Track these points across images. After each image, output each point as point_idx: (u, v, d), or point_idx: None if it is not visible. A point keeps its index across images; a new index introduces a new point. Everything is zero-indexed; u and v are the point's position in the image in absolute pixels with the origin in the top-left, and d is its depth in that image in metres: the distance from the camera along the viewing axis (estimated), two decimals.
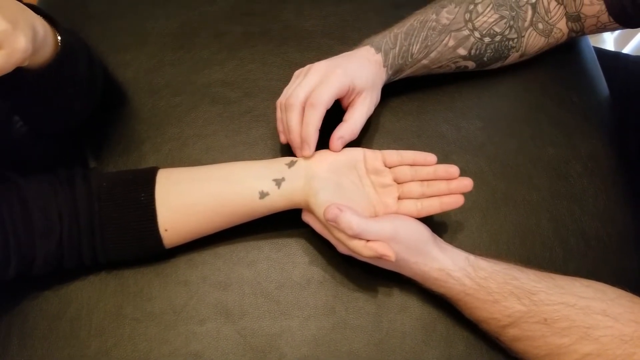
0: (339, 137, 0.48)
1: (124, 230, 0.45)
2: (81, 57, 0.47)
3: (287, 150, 0.56)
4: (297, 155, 0.49)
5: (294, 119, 0.47)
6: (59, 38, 0.43)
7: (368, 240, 0.42)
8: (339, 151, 0.49)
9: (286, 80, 0.54)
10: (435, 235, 0.47)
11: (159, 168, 0.48)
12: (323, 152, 0.49)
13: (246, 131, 0.57)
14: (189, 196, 0.46)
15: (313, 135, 0.47)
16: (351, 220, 0.41)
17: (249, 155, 0.55)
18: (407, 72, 0.55)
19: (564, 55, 0.62)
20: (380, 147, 0.53)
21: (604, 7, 0.52)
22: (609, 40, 1.19)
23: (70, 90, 0.47)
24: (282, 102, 0.49)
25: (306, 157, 0.48)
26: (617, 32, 1.18)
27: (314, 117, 0.46)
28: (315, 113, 0.46)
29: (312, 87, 0.47)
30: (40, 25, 0.40)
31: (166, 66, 0.61)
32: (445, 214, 0.53)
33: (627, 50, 1.13)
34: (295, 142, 0.48)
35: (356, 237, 0.42)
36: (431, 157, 0.48)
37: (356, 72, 0.49)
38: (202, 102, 0.58)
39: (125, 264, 0.49)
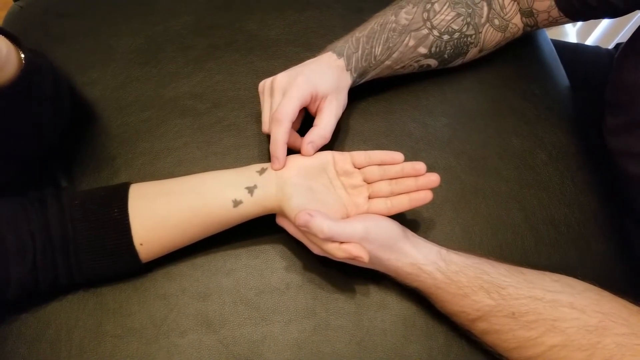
0: (309, 142, 0.49)
1: (99, 248, 0.45)
2: (46, 75, 0.47)
3: (258, 158, 0.57)
4: (271, 167, 0.49)
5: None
6: (22, 56, 0.43)
7: (341, 242, 0.43)
8: (311, 156, 0.49)
9: (254, 89, 0.55)
10: (408, 231, 0.47)
11: (131, 183, 0.48)
12: (293, 158, 0.49)
13: (217, 141, 0.57)
14: (163, 209, 0.46)
15: (281, 150, 0.47)
16: (322, 225, 0.42)
17: (220, 165, 0.55)
18: (372, 74, 0.56)
19: (523, 49, 0.64)
20: (350, 149, 0.53)
21: (553, 2, 0.54)
22: (571, 33, 1.22)
23: (36, 110, 0.47)
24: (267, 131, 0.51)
25: (275, 169, 0.48)
26: (578, 25, 1.21)
27: (280, 133, 0.47)
28: (280, 129, 0.47)
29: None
30: (3, 42, 0.40)
31: (133, 82, 0.61)
32: (417, 210, 0.53)
33: (589, 42, 1.16)
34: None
35: (328, 240, 0.43)
36: (398, 156, 0.49)
37: (318, 78, 0.49)
38: (171, 115, 0.59)
39: (103, 280, 0.48)
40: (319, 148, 0.50)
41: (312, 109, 0.52)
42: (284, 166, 0.48)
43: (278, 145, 0.47)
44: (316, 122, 0.50)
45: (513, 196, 0.55)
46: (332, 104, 0.51)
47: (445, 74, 0.61)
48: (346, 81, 0.53)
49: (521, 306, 0.41)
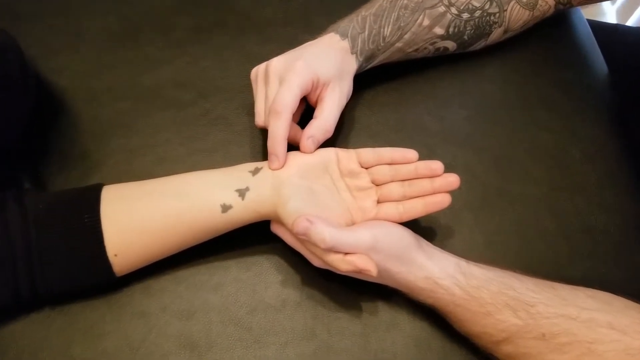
0: (309, 137, 0.49)
1: (67, 258, 0.45)
2: (12, 57, 0.47)
3: (251, 156, 0.57)
4: (269, 166, 0.49)
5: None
6: None
7: (346, 253, 0.43)
8: (311, 152, 0.49)
9: (245, 76, 0.55)
10: (422, 240, 0.48)
11: (105, 185, 0.48)
12: (291, 155, 0.49)
13: (203, 137, 0.57)
14: (140, 214, 0.46)
15: (281, 146, 0.47)
16: (323, 233, 0.41)
17: (208, 164, 0.53)
18: (380, 58, 0.56)
19: (555, 30, 0.64)
20: (355, 145, 0.53)
21: None
22: (610, 12, 1.21)
23: (2, 95, 0.47)
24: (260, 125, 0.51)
25: (273, 169, 0.48)
26: (618, 3, 1.21)
27: (280, 127, 0.47)
28: (279, 122, 0.47)
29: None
30: None
31: (106, 69, 0.61)
32: (433, 216, 0.53)
33: (630, 22, 1.15)
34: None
35: (331, 250, 0.43)
36: (411, 154, 0.49)
37: (319, 62, 0.50)
38: (150, 107, 0.59)
39: (72, 296, 0.48)
40: (320, 143, 0.50)
41: (312, 99, 0.52)
42: (284, 165, 0.48)
43: (277, 140, 0.47)
44: (317, 113, 0.50)
45: (543, 200, 0.55)
46: (334, 92, 0.51)
47: (465, 59, 0.61)
48: (351, 66, 0.53)
49: (552, 326, 0.41)
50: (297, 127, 0.51)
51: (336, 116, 0.51)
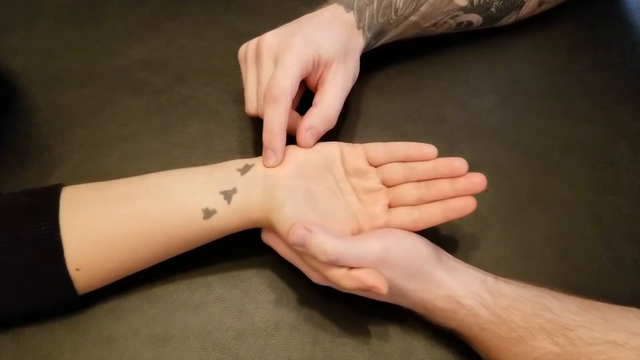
0: (308, 128, 0.49)
1: (19, 273, 0.44)
2: None
3: (238, 151, 0.57)
4: (263, 163, 0.49)
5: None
6: None
7: (350, 268, 0.42)
8: (310, 147, 0.49)
9: (232, 57, 0.55)
10: (442, 252, 0.47)
11: (64, 186, 0.47)
12: (287, 150, 0.49)
13: (182, 128, 0.57)
14: (107, 222, 0.45)
15: (279, 140, 0.47)
16: (324, 243, 0.41)
17: (187, 161, 0.55)
18: (392, 34, 0.56)
19: (598, 4, 0.64)
20: (363, 139, 0.53)
21: None
22: None
23: None
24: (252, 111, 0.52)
25: (269, 166, 0.48)
26: None
27: (278, 116, 0.46)
28: (277, 110, 0.46)
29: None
30: None
31: (67, 48, 0.61)
32: (455, 224, 0.53)
33: None
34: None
35: (333, 264, 0.42)
36: (429, 149, 0.48)
37: (321, 38, 0.49)
38: (119, 92, 0.59)
39: (26, 318, 0.48)
40: (321, 136, 0.50)
41: (311, 82, 0.52)
42: (281, 162, 0.48)
43: (275, 132, 0.47)
44: (317, 99, 0.50)
45: (584, 204, 0.55)
46: (338, 74, 0.51)
47: (493, 37, 0.61)
48: (357, 43, 0.53)
49: (596, 354, 0.41)
50: (296, 115, 0.51)
51: (340, 103, 0.51)
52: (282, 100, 0.46)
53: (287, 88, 0.46)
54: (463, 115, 0.58)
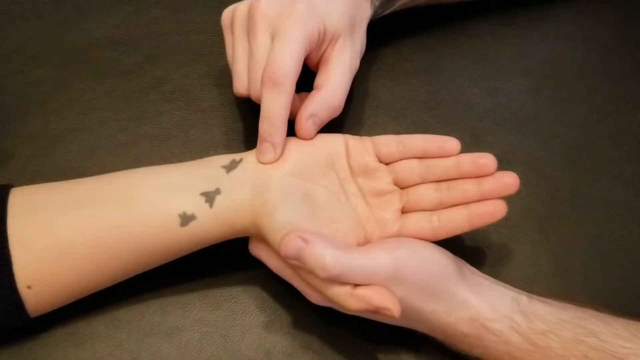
0: (310, 116, 0.48)
1: None
2: None
3: (223, 144, 0.57)
4: (258, 158, 0.48)
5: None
6: None
7: (356, 285, 0.42)
8: (311, 138, 0.49)
9: (214, 31, 0.56)
10: (465, 265, 0.47)
11: (12, 187, 0.47)
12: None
13: (154, 117, 0.57)
14: (64, 230, 0.45)
15: (280, 131, 0.47)
16: (324, 256, 0.40)
17: (160, 157, 0.55)
18: (402, 1, 0.56)
19: None
20: (371, 131, 0.53)
21: None
22: None
23: None
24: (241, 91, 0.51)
25: (266, 162, 0.48)
26: None
27: (280, 103, 0.46)
28: (279, 96, 0.46)
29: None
30: None
31: (15, 20, 0.61)
32: (481, 232, 0.53)
33: None
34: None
35: (335, 280, 0.41)
36: (450, 143, 0.48)
37: (326, 7, 0.49)
38: (78, 75, 0.58)
39: None
40: (323, 125, 0.50)
41: (312, 59, 0.51)
42: (280, 157, 0.48)
43: (275, 123, 0.46)
44: (320, 81, 0.50)
45: (636, 207, 0.55)
46: (345, 50, 0.51)
47: (526, 7, 0.61)
48: (365, 12, 0.53)
49: None
50: (296, 97, 0.51)
51: (347, 86, 0.51)
52: (284, 84, 0.46)
53: (290, 69, 0.46)
54: (490, 102, 0.58)
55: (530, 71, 0.60)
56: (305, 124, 0.48)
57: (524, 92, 0.59)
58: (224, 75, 0.53)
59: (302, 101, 0.50)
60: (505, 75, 0.59)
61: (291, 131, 0.49)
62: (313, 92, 0.50)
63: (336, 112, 0.50)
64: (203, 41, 0.54)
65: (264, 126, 0.47)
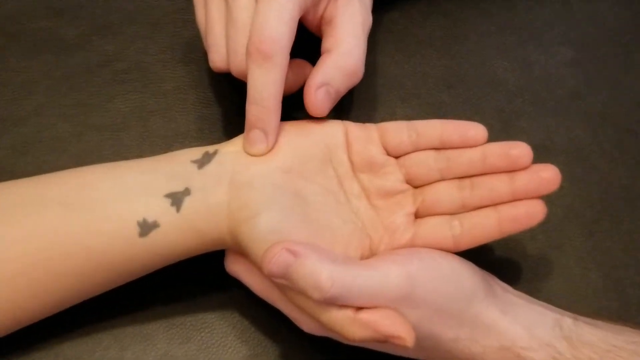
0: (320, 85, 0.49)
1: None
2: None
3: (195, 136, 0.57)
4: (246, 149, 0.49)
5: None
6: None
7: (359, 308, 0.41)
8: (324, 114, 0.49)
9: None
10: (495, 281, 0.48)
11: None
12: None
13: (105, 102, 0.58)
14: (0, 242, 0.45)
15: (273, 115, 0.47)
16: (318, 273, 0.40)
17: (113, 152, 0.56)
18: None
19: None
20: (377, 115, 0.54)
21: None
22: None
23: None
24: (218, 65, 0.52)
25: (256, 153, 0.48)
26: None
27: (271, 80, 0.46)
28: (270, 71, 0.46)
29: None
30: None
31: None
32: (512, 239, 0.54)
33: None
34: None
35: (333, 303, 0.41)
36: (475, 130, 0.48)
37: None
38: (8, 51, 0.59)
39: None
40: (340, 97, 0.50)
41: (312, 20, 0.53)
42: (273, 148, 0.48)
43: (267, 104, 0.47)
44: (329, 43, 0.51)
45: None
46: (353, 5, 0.51)
47: None
48: None
49: None
50: (303, 63, 0.52)
51: (364, 45, 0.51)
52: (276, 55, 0.46)
53: (282, 36, 0.46)
54: (523, 77, 0.59)
55: (572, 38, 0.60)
56: (315, 94, 0.48)
57: (565, 64, 0.59)
58: (192, 49, 0.52)
59: (301, 70, 0.51)
60: (542, 44, 0.59)
61: (284, 116, 0.49)
62: (323, 57, 0.50)
63: (354, 79, 0.50)
64: (165, 7, 0.54)
65: (252, 109, 0.47)
